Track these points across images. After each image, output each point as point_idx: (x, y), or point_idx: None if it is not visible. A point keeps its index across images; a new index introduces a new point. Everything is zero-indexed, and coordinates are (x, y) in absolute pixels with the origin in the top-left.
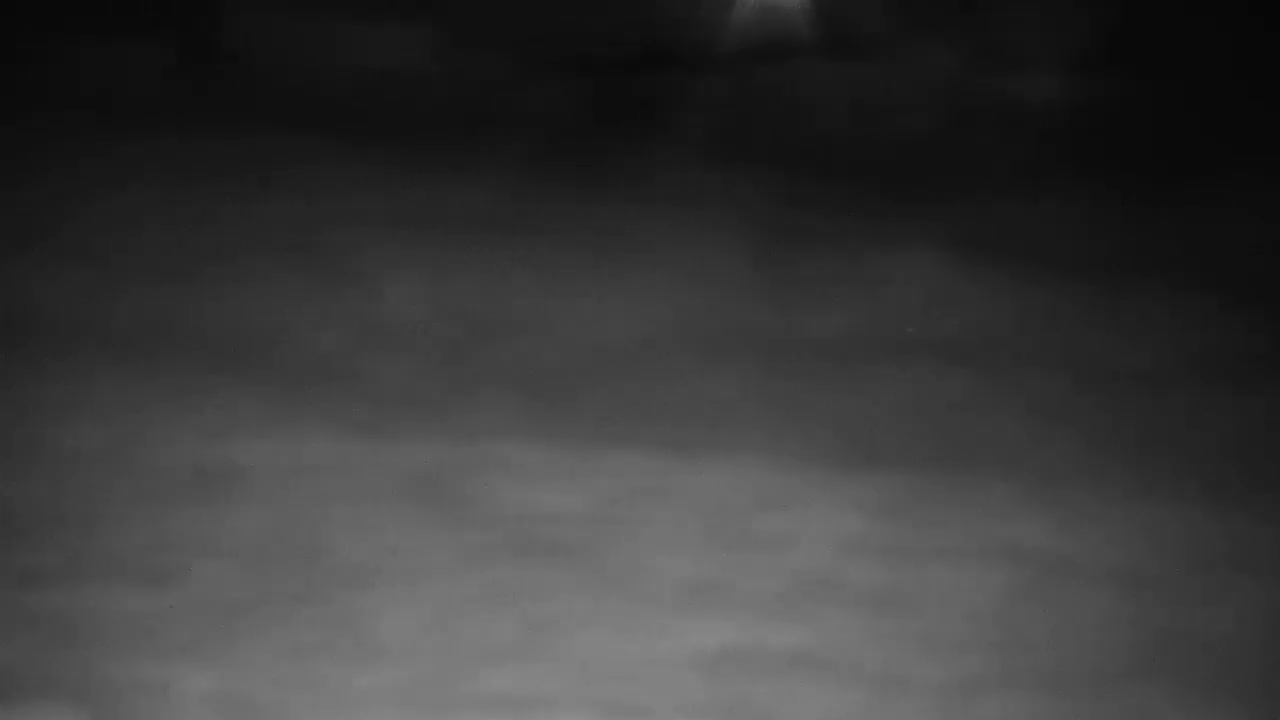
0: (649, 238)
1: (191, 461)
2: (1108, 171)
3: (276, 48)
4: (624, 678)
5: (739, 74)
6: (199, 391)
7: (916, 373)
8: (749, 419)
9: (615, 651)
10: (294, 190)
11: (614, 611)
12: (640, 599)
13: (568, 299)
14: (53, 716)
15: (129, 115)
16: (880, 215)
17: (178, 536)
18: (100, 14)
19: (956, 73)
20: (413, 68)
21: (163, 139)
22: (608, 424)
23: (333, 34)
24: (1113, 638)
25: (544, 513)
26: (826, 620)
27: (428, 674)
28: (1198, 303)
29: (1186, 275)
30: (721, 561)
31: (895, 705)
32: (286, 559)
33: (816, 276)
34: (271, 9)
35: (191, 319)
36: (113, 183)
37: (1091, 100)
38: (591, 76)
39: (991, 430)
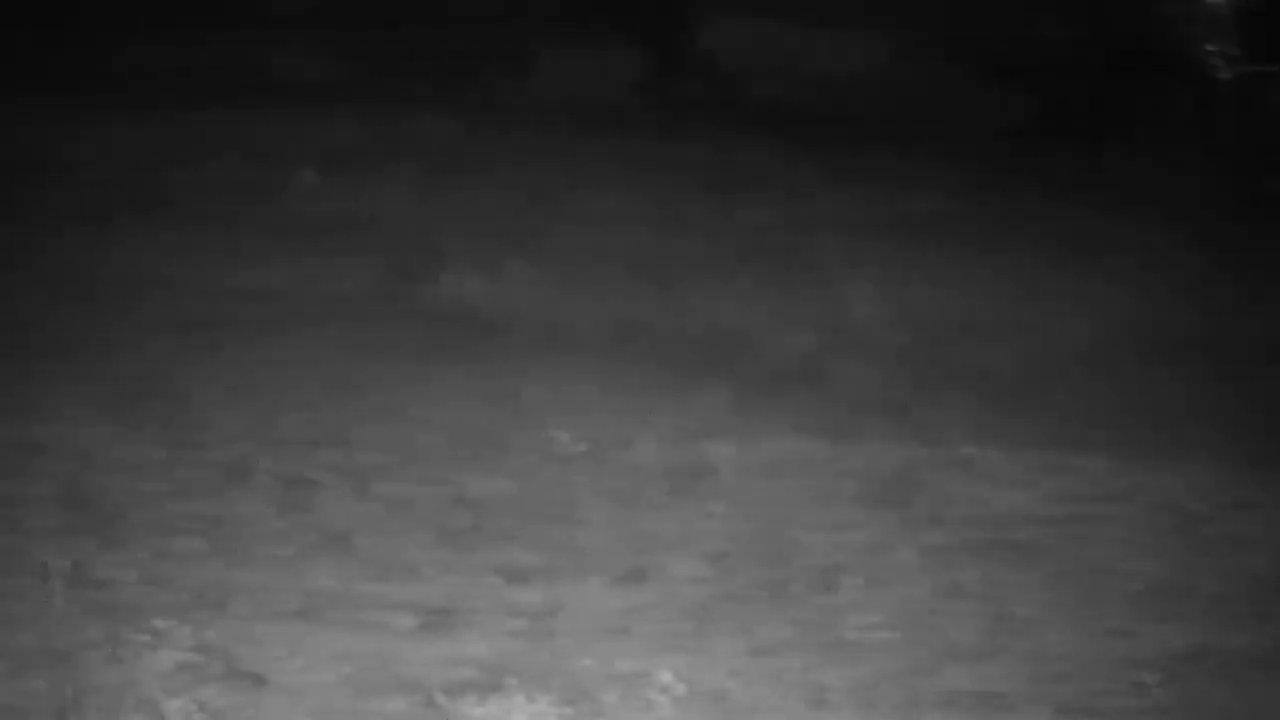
0: (1108, 243)
1: (662, 461)
2: None
3: (744, 56)
4: (1083, 678)
5: (1201, 79)
6: (669, 393)
7: None
8: (1203, 421)
9: (1074, 652)
10: (758, 195)
11: (1073, 612)
12: (1099, 600)
13: (1028, 304)
14: (533, 707)
15: (599, 120)
16: None
17: (650, 535)
18: (580, 23)
19: None
20: (873, 74)
21: (631, 143)
22: (1066, 427)
23: (796, 41)
24: None
25: (1004, 514)
26: None
27: (891, 672)
28: None
29: None
30: (1179, 563)
31: None
32: (755, 557)
33: (1270, 280)
34: (741, 18)
35: (662, 321)
36: (583, 185)
37: None
38: (1051, 82)
39: None
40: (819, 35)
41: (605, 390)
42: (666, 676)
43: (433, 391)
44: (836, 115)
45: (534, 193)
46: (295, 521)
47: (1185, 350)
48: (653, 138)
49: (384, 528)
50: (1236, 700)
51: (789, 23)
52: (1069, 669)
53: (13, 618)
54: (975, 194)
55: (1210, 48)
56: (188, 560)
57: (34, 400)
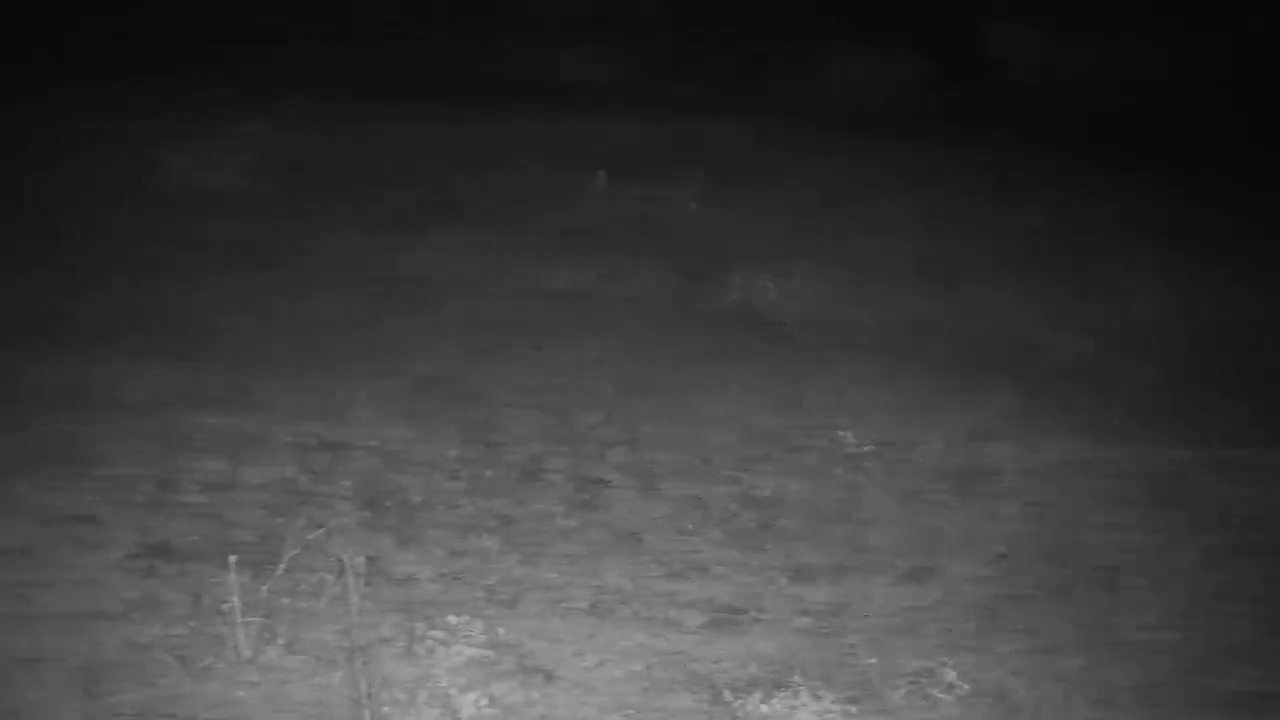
0: None
1: (947, 462)
2: None
3: (1026, 61)
4: None
5: None
6: (954, 394)
7: None
8: None
9: None
10: (1040, 199)
11: None
12: None
13: None
14: (818, 704)
15: (884, 124)
16: None
17: (934, 535)
18: (864, 29)
19: None
20: (1157, 80)
21: (915, 147)
22: None
23: (1080, 46)
24: None
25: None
26: None
27: (1173, 672)
28: None
29: None
30: None
31: None
32: (1037, 557)
33: None
34: (1023, 23)
35: (947, 323)
36: (868, 189)
37: None
38: None
39: None
40: (1102, 41)
41: (891, 391)
42: (950, 674)
43: (722, 392)
44: (1118, 120)
45: (820, 196)
46: (587, 520)
47: None
48: (937, 142)
49: (674, 526)
50: None
51: (1072, 29)
52: None
53: (311, 613)
54: (1254, 201)
55: None
56: (482, 557)
57: (336, 400)
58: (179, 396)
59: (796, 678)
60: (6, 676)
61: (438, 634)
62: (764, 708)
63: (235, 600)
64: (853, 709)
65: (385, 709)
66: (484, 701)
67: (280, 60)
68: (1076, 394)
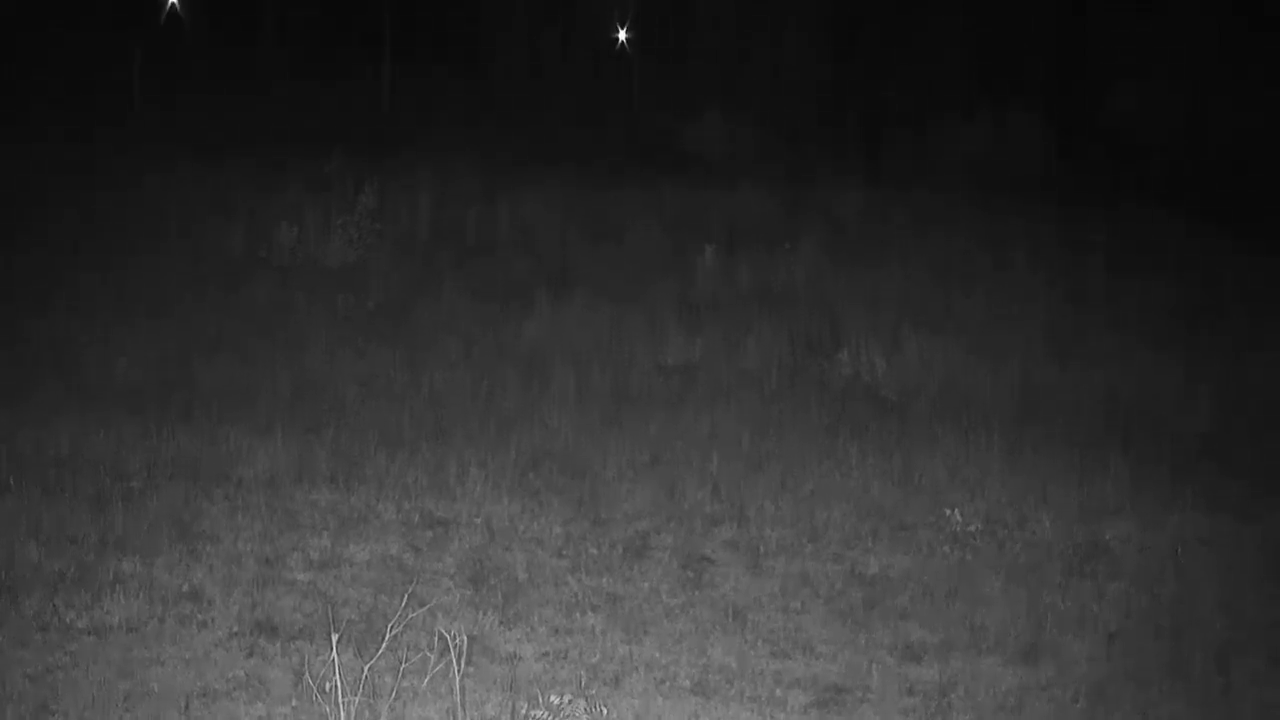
0: None
1: (1060, 539)
2: None
3: (1146, 126)
4: None
5: None
6: (1069, 468)
7: None
8: None
9: None
10: (1158, 267)
11: None
12: None
13: None
14: None
15: (1001, 190)
16: None
17: (1046, 613)
18: (982, 94)
19: None
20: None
21: (1033, 213)
22: None
23: (1199, 110)
24: None
25: None
26: None
27: None
28: None
29: None
30: None
31: None
32: (1152, 636)
33: None
34: (1141, 87)
35: (1063, 395)
36: (984, 256)
37: None
38: None
39: None
40: (1223, 104)
41: (1004, 466)
42: None
43: (832, 467)
44: (1238, 185)
45: (935, 265)
46: (693, 597)
47: None
48: (1055, 208)
49: (781, 604)
50: None
51: (1189, 91)
52: None
53: (414, 692)
54: None
55: None
56: (586, 635)
57: (444, 475)
58: (288, 471)
59: None
60: None
61: (541, 713)
62: None
63: (338, 678)
64: None
65: None
66: None
67: (396, 132)
68: (1196, 468)
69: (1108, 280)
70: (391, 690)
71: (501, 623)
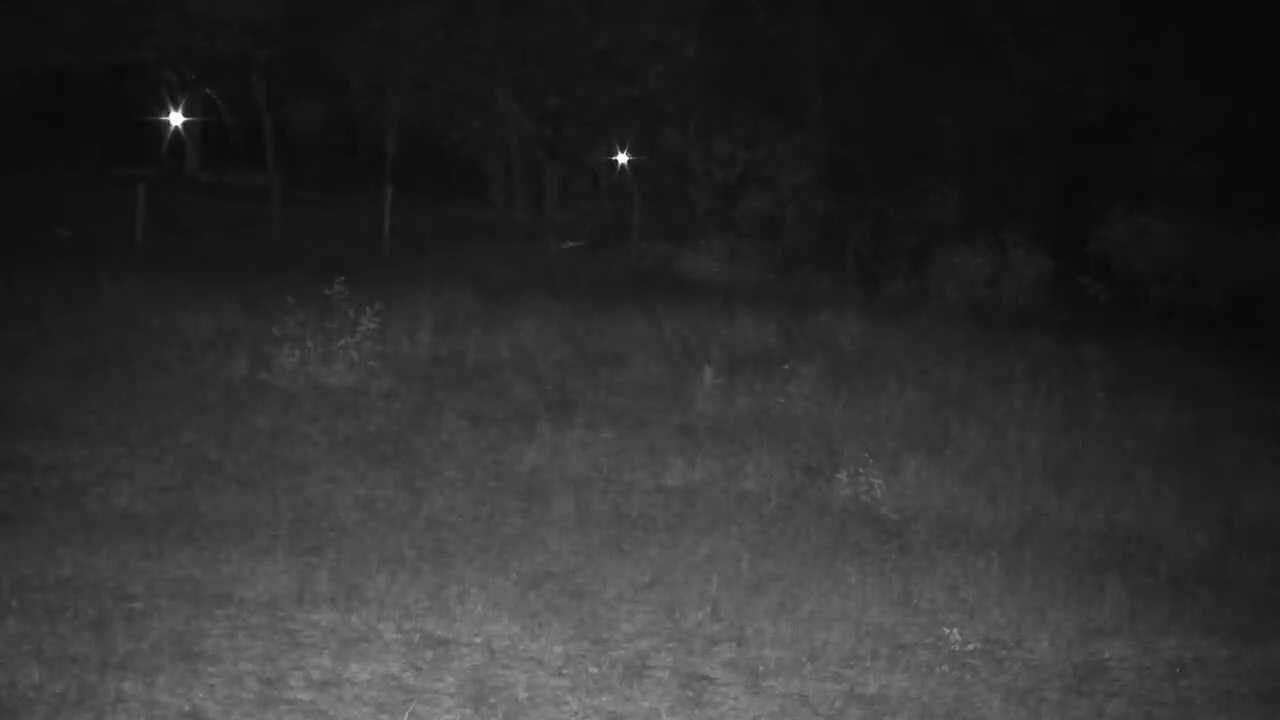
0: None
1: (1058, 660)
2: None
3: (1144, 256)
4: None
5: None
6: (1067, 591)
7: None
8: None
9: None
10: (1156, 395)
11: None
12: None
13: None
14: None
15: (1000, 319)
16: None
17: None
18: (977, 227)
19: None
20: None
21: (1032, 342)
22: None
23: (1200, 242)
24: None
25: None
26: None
27: None
28: None
29: None
30: None
31: None
32: None
33: None
34: (1141, 219)
35: (1061, 520)
36: (982, 384)
37: None
38: None
39: None
40: (1224, 237)
41: (1002, 588)
42: None
43: (831, 588)
44: (1238, 318)
45: (934, 390)
46: (692, 716)
47: None
48: (1053, 337)
49: None
50: None
51: (1192, 224)
52: None
53: None
54: None
55: None
56: None
57: (444, 596)
58: (289, 592)
59: None
60: None
61: None
62: None
63: None
64: None
65: None
66: None
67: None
68: (1193, 592)
69: (1104, 408)
70: None
71: None
